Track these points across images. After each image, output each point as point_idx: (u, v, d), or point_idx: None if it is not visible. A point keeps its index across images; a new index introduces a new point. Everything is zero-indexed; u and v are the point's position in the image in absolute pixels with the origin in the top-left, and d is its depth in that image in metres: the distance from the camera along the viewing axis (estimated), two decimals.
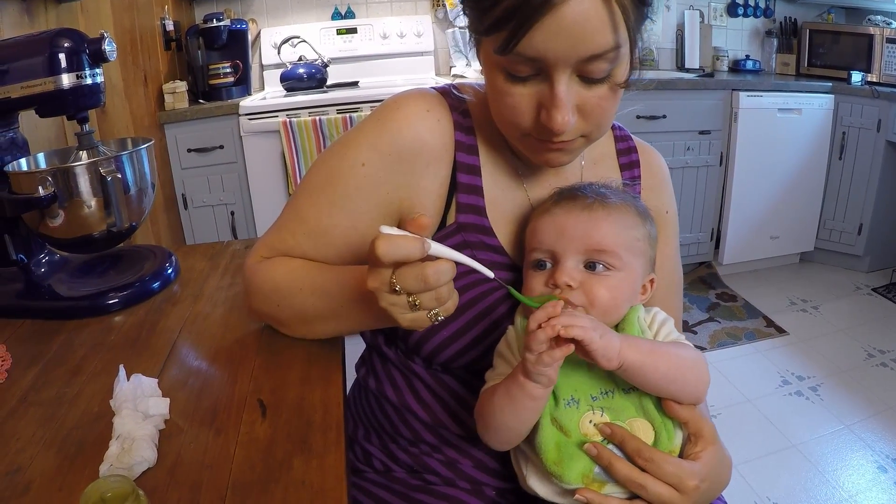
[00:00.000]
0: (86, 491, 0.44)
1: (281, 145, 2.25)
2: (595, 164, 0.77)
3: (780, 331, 2.41)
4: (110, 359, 0.76)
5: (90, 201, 0.87)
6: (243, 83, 2.53)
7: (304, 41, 2.62)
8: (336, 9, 2.82)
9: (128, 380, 0.65)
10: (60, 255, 0.99)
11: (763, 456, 1.76)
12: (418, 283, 0.53)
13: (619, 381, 0.59)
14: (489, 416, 0.60)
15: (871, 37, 2.61)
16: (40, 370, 0.74)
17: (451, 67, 2.87)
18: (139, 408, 0.61)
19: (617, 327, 0.63)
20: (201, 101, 2.42)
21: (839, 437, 1.82)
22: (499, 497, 0.72)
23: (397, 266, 0.53)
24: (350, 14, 2.83)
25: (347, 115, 2.25)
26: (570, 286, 0.61)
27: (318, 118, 2.22)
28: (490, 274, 0.58)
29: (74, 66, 0.84)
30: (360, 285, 0.60)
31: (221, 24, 2.42)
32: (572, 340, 0.53)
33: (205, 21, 2.42)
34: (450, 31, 2.83)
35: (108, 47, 0.86)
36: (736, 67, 2.99)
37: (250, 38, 2.63)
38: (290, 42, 2.63)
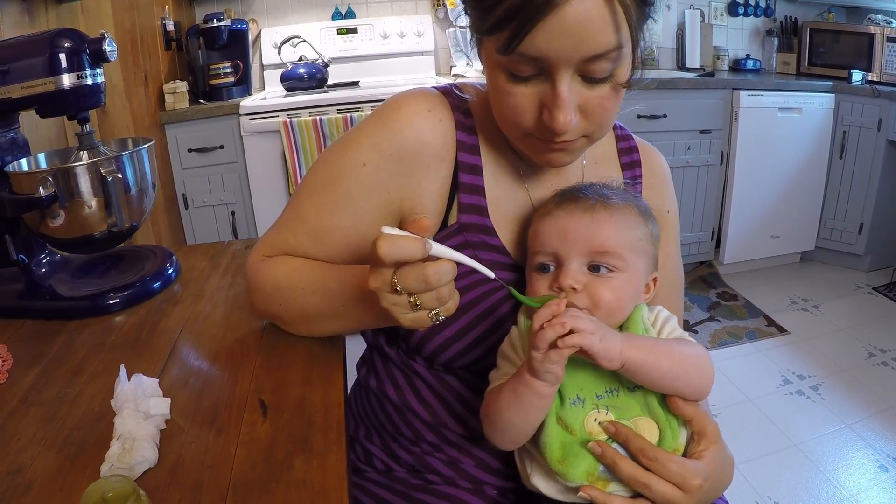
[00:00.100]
0: (87, 491, 0.44)
1: (281, 145, 2.25)
2: (596, 163, 0.77)
3: (781, 330, 2.41)
4: (111, 359, 0.76)
5: (91, 201, 0.87)
6: (244, 83, 2.53)
7: (305, 41, 2.62)
8: (336, 9, 2.82)
9: (129, 380, 0.65)
10: (61, 256, 0.99)
11: (764, 455, 1.76)
12: (419, 284, 0.53)
13: (624, 380, 0.59)
14: (495, 415, 0.60)
15: (871, 36, 2.61)
16: (41, 370, 0.74)
17: (451, 67, 2.86)
18: (140, 408, 0.61)
19: (620, 327, 0.63)
20: (202, 101, 2.42)
21: (840, 437, 1.82)
22: (500, 496, 0.72)
23: (398, 266, 0.53)
24: (350, 14, 2.83)
25: (348, 114, 2.25)
26: (574, 289, 0.61)
27: (318, 118, 2.22)
28: (491, 274, 0.58)
29: (75, 67, 0.84)
30: (362, 285, 0.60)
31: (222, 23, 2.41)
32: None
33: (205, 21, 2.42)
34: (450, 30, 2.83)
35: (109, 47, 0.86)
36: (736, 67, 2.99)
37: (251, 38, 2.63)
38: (290, 42, 2.63)
